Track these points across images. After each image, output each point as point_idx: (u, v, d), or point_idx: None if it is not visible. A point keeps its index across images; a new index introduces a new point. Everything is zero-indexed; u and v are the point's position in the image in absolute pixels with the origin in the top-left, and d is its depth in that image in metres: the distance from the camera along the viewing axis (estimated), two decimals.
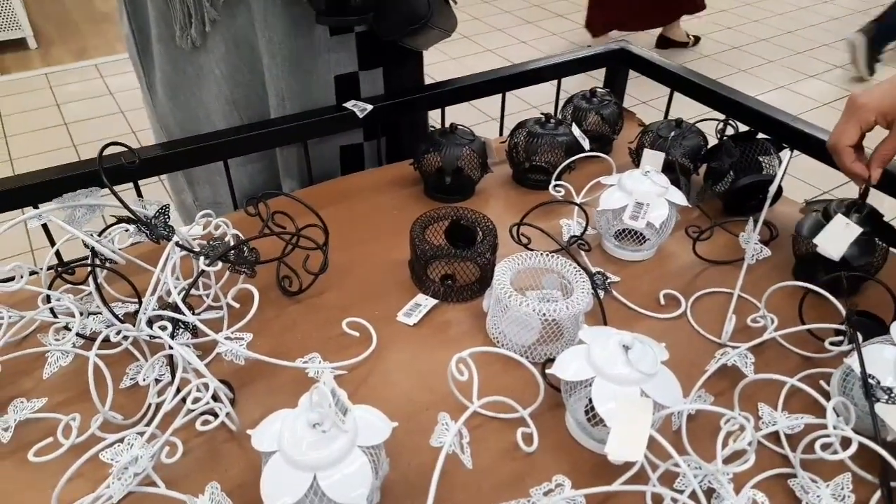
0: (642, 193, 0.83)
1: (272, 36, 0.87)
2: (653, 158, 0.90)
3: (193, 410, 0.59)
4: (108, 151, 0.71)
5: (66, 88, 3.17)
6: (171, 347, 0.60)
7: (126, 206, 0.66)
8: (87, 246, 0.69)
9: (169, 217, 0.68)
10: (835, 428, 0.55)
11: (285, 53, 0.88)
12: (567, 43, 3.69)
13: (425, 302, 0.78)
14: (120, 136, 2.75)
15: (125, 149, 0.74)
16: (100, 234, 0.73)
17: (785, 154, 0.74)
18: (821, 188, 2.29)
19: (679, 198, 0.84)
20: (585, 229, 0.88)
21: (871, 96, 0.73)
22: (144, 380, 0.62)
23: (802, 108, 3.01)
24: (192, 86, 0.92)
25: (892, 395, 0.55)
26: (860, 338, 0.61)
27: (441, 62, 3.37)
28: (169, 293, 0.65)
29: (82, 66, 3.38)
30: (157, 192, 1.96)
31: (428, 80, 1.11)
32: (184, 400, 0.58)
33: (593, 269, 0.83)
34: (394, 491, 0.58)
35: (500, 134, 1.19)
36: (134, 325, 0.66)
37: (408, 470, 0.60)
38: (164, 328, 0.60)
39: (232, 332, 0.67)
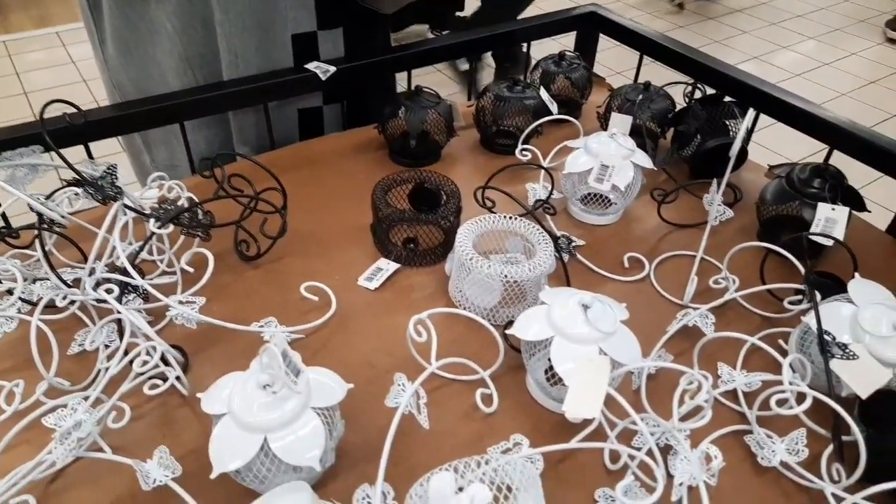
0: (608, 156, 0.82)
1: None
2: (620, 122, 0.89)
3: (142, 374, 0.57)
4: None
5: (27, 57, 3.06)
6: (118, 311, 0.58)
7: (70, 166, 0.63)
8: (32, 209, 0.66)
9: (117, 177, 0.66)
10: (790, 384, 0.55)
11: (238, 9, 0.84)
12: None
13: (387, 266, 0.77)
14: (82, 106, 2.66)
15: (73, 109, 0.71)
16: (47, 198, 0.71)
17: (749, 115, 0.73)
18: (792, 158, 2.30)
19: (645, 160, 0.83)
20: (551, 193, 0.87)
21: None
22: (92, 344, 0.60)
23: (777, 79, 3.02)
24: (143, 42, 0.88)
25: (847, 351, 0.55)
26: (818, 296, 0.61)
27: None
28: (119, 257, 0.63)
29: (43, 34, 3.26)
30: (120, 159, 1.90)
31: None
32: (132, 363, 0.57)
33: (558, 233, 0.82)
34: (351, 453, 0.57)
35: (469, 99, 1.17)
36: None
37: (366, 433, 0.59)
38: (110, 291, 0.57)
39: (184, 297, 0.65)
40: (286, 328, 0.67)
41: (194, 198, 0.74)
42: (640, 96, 0.97)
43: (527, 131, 0.95)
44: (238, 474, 0.51)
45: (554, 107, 1.00)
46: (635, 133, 0.88)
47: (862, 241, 0.76)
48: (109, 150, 0.82)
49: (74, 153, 0.74)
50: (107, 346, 0.63)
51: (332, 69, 0.94)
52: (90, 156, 0.83)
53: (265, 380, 0.50)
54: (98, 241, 0.61)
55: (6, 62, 3.00)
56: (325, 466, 0.54)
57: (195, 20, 0.86)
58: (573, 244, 0.81)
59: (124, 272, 0.61)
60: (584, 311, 0.57)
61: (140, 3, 0.84)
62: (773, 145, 2.28)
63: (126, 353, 0.57)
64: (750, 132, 0.97)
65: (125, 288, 0.61)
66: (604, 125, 1.01)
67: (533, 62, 1.13)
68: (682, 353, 0.67)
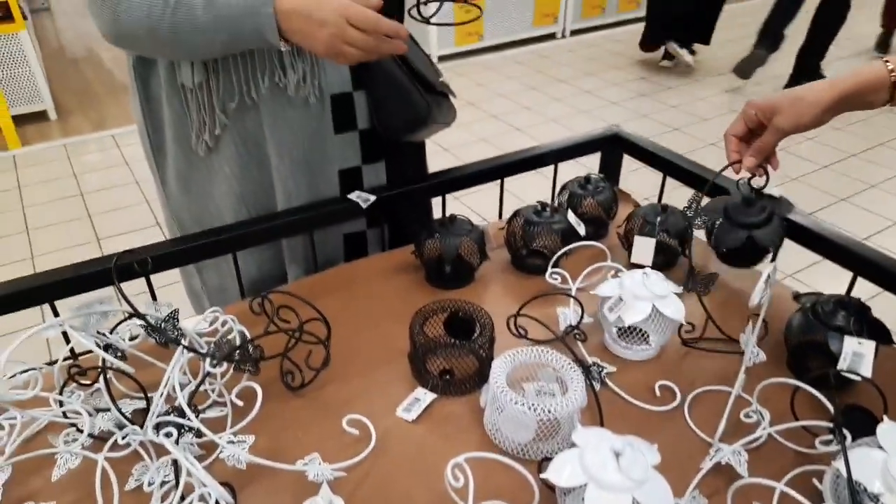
0: (636, 296, 0.83)
1: (281, 138, 0.92)
2: (643, 246, 0.92)
3: None
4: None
5: (84, 159, 3.27)
6: (174, 453, 0.62)
7: (137, 313, 0.69)
8: (99, 346, 0.72)
9: (178, 321, 0.71)
10: None
11: (294, 155, 0.93)
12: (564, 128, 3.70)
13: (424, 396, 0.80)
14: (134, 205, 2.83)
15: (139, 255, 0.78)
16: (111, 331, 0.77)
17: (769, 267, 0.78)
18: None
19: (677, 312, 0.83)
20: (581, 318, 0.90)
21: (758, 98, 0.87)
22: (149, 486, 0.64)
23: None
24: (203, 182, 0.97)
25: (879, 502, 0.56)
26: (848, 438, 0.62)
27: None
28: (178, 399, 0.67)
29: (100, 137, 3.50)
30: (169, 276, 2.00)
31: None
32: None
33: (590, 359, 0.85)
34: None
35: (500, 218, 1.23)
36: (141, 425, 0.68)
37: None
38: (169, 435, 0.62)
39: (235, 435, 0.69)
40: (328, 466, 0.69)
41: (246, 332, 0.80)
42: (659, 218, 1.01)
43: (555, 257, 0.99)
44: None
45: (581, 229, 1.05)
46: (658, 251, 0.92)
47: (893, 374, 0.77)
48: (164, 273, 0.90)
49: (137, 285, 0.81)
50: (163, 484, 0.67)
51: (372, 198, 1.01)
52: (151, 289, 0.90)
53: None
54: (163, 389, 0.66)
55: (65, 164, 3.21)
56: None
57: (251, 164, 0.95)
58: (604, 371, 0.84)
59: (181, 411, 0.66)
60: (616, 458, 0.59)
61: (202, 149, 0.93)
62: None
63: (183, 497, 0.61)
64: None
65: (181, 428, 0.66)
66: (624, 244, 1.04)
67: (559, 184, 1.19)
68: (715, 492, 0.68)
